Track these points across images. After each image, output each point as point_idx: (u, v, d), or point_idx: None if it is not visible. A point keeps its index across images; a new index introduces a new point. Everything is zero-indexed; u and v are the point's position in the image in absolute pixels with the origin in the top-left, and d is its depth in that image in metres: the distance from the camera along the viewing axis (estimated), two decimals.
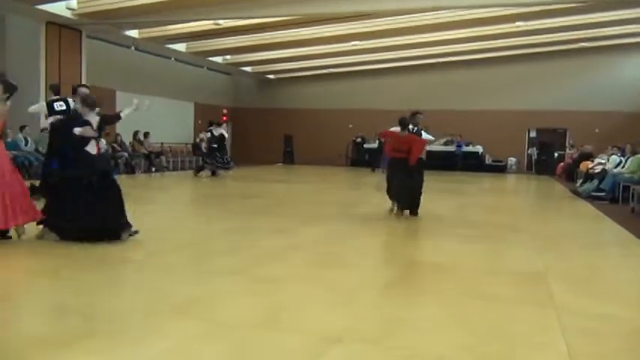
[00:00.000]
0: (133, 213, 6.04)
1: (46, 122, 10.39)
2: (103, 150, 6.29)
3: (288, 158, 26.35)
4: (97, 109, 6.19)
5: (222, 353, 3.05)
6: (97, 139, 6.08)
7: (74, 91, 7.63)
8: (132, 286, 4.38)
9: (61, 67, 15.90)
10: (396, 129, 8.57)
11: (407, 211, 8.70)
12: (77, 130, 5.83)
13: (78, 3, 14.67)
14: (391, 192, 8.81)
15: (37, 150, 14.17)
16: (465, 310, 3.95)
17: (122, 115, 6.35)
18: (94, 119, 5.97)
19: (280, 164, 25.37)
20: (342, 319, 3.65)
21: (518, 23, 17.43)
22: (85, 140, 5.90)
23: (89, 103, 6.08)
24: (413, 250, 6.26)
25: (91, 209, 5.60)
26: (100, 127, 6.04)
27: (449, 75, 24.19)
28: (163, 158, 19.02)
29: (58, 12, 14.53)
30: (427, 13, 16.44)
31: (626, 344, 3.38)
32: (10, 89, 5.73)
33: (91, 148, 5.93)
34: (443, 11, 16.16)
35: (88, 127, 5.86)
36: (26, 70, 15.13)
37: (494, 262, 5.72)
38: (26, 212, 5.64)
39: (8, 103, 5.70)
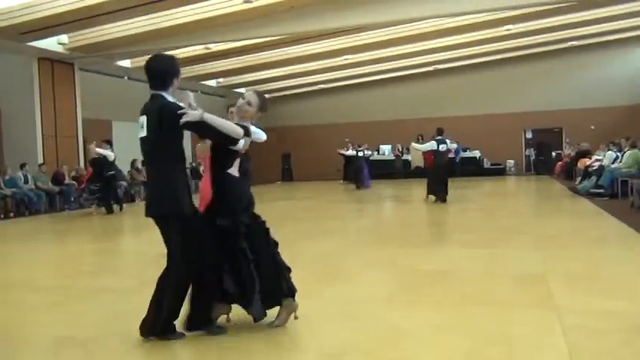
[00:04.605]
0: (134, 240, 6.05)
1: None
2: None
3: (287, 176, 26.42)
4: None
5: None
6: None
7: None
8: (128, 315, 4.38)
9: (56, 101, 16.03)
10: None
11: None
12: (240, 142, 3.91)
13: (69, 37, 14.83)
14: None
15: (36, 186, 14.23)
16: (465, 317, 3.97)
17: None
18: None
19: (279, 182, 25.41)
20: (345, 333, 3.67)
21: (507, 27, 17.59)
22: (229, 157, 4.01)
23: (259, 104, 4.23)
24: (413, 260, 6.26)
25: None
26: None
27: (442, 82, 24.32)
28: None
29: (49, 47, 14.69)
30: (415, 23, 16.57)
31: (627, 339, 3.38)
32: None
33: (235, 171, 4.06)
34: (431, 20, 16.30)
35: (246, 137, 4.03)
36: (21, 106, 15.27)
37: (493, 266, 5.73)
38: None
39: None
